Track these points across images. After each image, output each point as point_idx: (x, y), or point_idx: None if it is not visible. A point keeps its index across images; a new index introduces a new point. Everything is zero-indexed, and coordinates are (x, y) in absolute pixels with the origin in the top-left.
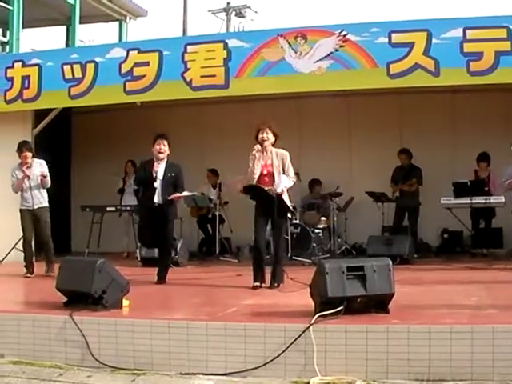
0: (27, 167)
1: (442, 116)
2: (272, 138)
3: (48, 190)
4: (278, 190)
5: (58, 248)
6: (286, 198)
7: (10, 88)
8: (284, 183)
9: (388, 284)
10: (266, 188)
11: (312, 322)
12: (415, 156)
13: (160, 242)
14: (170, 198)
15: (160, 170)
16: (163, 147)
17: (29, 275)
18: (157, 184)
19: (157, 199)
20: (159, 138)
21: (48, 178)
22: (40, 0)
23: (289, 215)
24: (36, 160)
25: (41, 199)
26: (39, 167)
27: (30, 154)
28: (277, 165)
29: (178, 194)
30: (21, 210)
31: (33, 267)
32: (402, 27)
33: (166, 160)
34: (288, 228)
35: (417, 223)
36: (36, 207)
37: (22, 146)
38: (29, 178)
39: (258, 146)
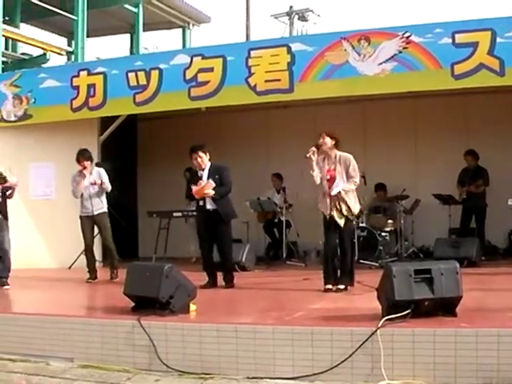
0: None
1: (508, 116)
2: (329, 143)
3: (115, 195)
4: (332, 193)
5: (125, 253)
6: (350, 200)
7: (76, 96)
8: (339, 187)
9: (456, 287)
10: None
11: (379, 325)
12: (481, 157)
13: (219, 247)
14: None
15: (204, 176)
16: (199, 160)
17: (90, 280)
18: None
19: (209, 205)
20: (191, 152)
21: (106, 185)
22: (104, 9)
23: (355, 212)
24: (96, 168)
25: (100, 205)
26: (98, 176)
27: (88, 163)
28: (339, 170)
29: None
30: (80, 217)
31: (96, 273)
32: (466, 27)
33: (209, 165)
34: (355, 230)
35: (484, 225)
36: (96, 213)
37: (80, 156)
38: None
39: (314, 148)
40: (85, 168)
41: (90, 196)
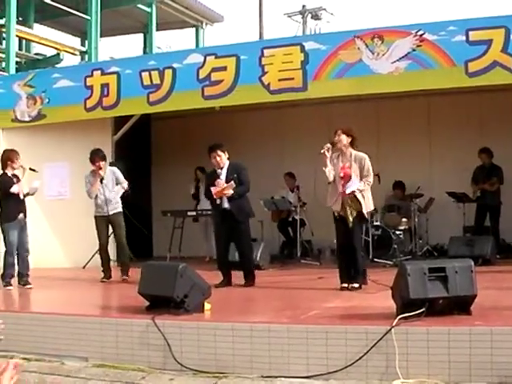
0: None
1: None
2: (345, 140)
3: (129, 195)
4: (347, 192)
5: (139, 253)
6: (362, 198)
7: (90, 96)
8: (354, 187)
9: (470, 285)
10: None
11: (394, 324)
12: (496, 155)
13: (237, 246)
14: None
15: (222, 175)
16: (218, 159)
17: (105, 280)
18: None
19: (226, 205)
20: (211, 151)
21: (125, 185)
22: (117, 9)
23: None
24: (108, 167)
25: (115, 205)
26: (112, 176)
27: (103, 163)
28: (354, 168)
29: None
30: (95, 217)
31: (110, 272)
32: (479, 24)
33: (227, 164)
34: (369, 229)
35: (498, 223)
36: (111, 213)
37: (95, 156)
38: (102, 179)
39: (328, 145)
40: (100, 168)
41: (105, 196)
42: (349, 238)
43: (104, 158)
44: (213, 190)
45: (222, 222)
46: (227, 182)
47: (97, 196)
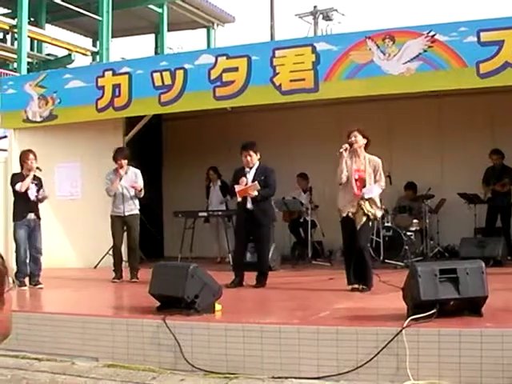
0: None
1: None
2: (361, 141)
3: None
4: (366, 197)
5: (150, 253)
6: (373, 202)
7: (102, 97)
8: (374, 193)
9: (481, 287)
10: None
11: (404, 325)
12: (507, 156)
13: (256, 247)
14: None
15: (250, 175)
16: (249, 158)
17: (116, 280)
18: None
19: (249, 205)
20: (243, 149)
21: (142, 191)
22: (128, 10)
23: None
24: (131, 168)
25: (132, 206)
26: (133, 177)
27: (125, 162)
28: (369, 171)
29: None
30: (111, 216)
31: (121, 272)
32: (491, 25)
33: (257, 165)
34: (380, 230)
35: (509, 224)
36: (127, 214)
37: (117, 154)
38: (121, 178)
39: (347, 145)
40: (121, 167)
41: (124, 196)
42: (356, 239)
43: (126, 157)
44: (236, 188)
45: (244, 222)
46: (253, 181)
47: (115, 194)
